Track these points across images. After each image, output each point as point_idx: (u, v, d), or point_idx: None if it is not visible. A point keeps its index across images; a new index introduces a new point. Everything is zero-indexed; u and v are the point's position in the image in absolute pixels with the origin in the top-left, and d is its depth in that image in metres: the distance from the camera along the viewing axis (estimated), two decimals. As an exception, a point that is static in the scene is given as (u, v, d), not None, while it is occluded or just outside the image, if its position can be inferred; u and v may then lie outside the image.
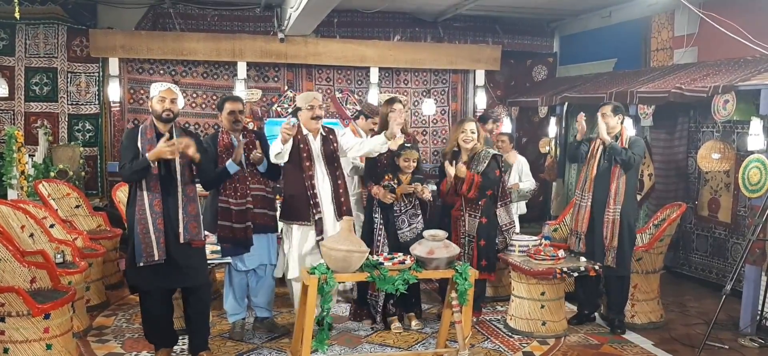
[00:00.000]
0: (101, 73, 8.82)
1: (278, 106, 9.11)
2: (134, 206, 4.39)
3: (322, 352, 4.36)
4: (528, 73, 10.20)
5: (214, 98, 9.04)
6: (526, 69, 10.19)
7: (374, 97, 9.22)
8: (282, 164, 5.21)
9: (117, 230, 6.86)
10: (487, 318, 6.02)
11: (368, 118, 6.29)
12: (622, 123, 5.54)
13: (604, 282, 5.74)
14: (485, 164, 5.50)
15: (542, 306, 5.50)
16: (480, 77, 9.71)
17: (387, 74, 9.59)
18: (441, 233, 4.46)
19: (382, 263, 4.33)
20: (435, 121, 9.81)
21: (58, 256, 5.34)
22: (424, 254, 4.37)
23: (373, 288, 5.48)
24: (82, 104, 8.86)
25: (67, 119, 8.82)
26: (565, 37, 10.09)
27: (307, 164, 5.08)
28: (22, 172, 7.36)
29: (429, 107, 9.41)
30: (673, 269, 7.57)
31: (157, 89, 4.48)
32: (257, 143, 5.25)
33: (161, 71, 8.91)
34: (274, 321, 5.59)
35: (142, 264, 4.34)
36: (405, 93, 9.54)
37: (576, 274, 5.41)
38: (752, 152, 5.61)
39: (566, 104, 8.56)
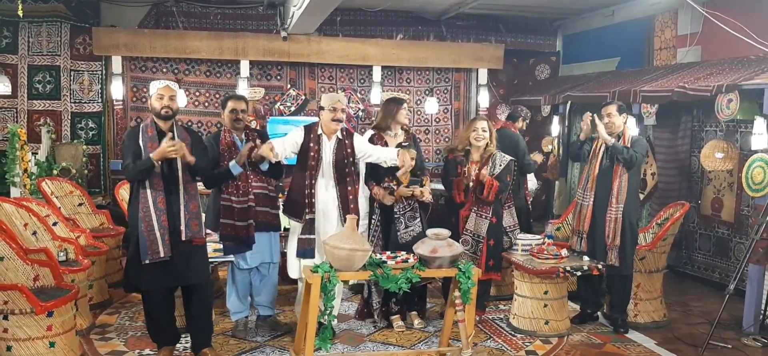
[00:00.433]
0: (104, 72, 8.83)
1: (281, 104, 9.11)
2: (137, 203, 4.39)
3: (325, 350, 4.36)
4: (531, 72, 10.19)
5: (217, 96, 9.05)
6: (529, 68, 10.18)
7: (377, 95, 9.23)
8: (286, 163, 5.21)
9: (120, 228, 6.86)
10: (490, 317, 6.01)
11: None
12: (625, 123, 5.53)
13: (606, 281, 5.73)
14: (501, 168, 5.49)
15: (545, 305, 5.49)
16: (483, 76, 9.70)
17: (390, 73, 9.58)
18: (444, 232, 4.46)
19: (385, 262, 4.33)
20: (437, 120, 9.81)
21: (61, 254, 5.35)
22: (427, 252, 4.36)
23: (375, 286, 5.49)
24: (85, 102, 8.86)
25: (70, 117, 8.83)
26: (568, 36, 10.08)
27: (313, 164, 5.06)
28: (25, 170, 7.38)
29: (432, 106, 9.41)
30: (676, 268, 7.57)
31: (155, 86, 4.48)
32: (258, 141, 5.24)
33: (164, 70, 8.92)
34: (277, 320, 5.59)
35: (148, 262, 4.34)
36: (408, 92, 9.54)
37: (579, 273, 5.41)
38: (756, 152, 5.60)
39: (569, 103, 8.55)
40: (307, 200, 5.04)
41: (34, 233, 5.46)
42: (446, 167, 5.82)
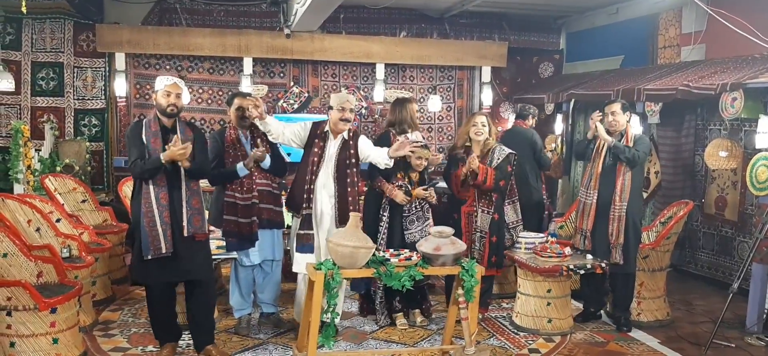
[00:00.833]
0: (108, 68, 8.84)
1: (284, 102, 9.10)
2: (140, 199, 4.40)
3: (328, 348, 4.36)
4: (534, 70, 10.17)
5: (220, 93, 9.05)
6: (533, 66, 10.16)
7: (380, 93, 9.22)
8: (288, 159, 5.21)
9: (123, 225, 6.87)
10: (493, 315, 6.01)
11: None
12: (628, 121, 5.52)
13: (609, 280, 5.72)
14: (499, 161, 5.49)
15: (548, 304, 5.49)
16: (486, 74, 9.69)
17: (393, 71, 9.57)
18: (448, 230, 4.46)
19: (388, 260, 4.32)
20: (440, 118, 9.80)
21: (65, 250, 5.35)
22: (430, 250, 4.36)
23: (375, 284, 5.49)
24: (89, 99, 8.87)
25: (73, 114, 8.83)
26: (571, 34, 10.06)
27: (315, 160, 5.06)
28: (29, 166, 7.38)
29: (435, 104, 9.40)
30: (679, 267, 7.55)
31: (162, 82, 4.45)
32: (258, 140, 5.24)
33: (167, 67, 8.92)
34: (280, 317, 5.60)
35: (149, 257, 4.35)
36: (411, 90, 9.54)
37: (582, 271, 5.40)
38: (760, 150, 5.59)
39: (573, 101, 8.53)
40: (305, 196, 5.03)
41: (38, 229, 5.47)
42: (448, 164, 5.81)
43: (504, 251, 5.74)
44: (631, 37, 8.61)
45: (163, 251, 4.36)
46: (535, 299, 5.51)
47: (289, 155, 5.35)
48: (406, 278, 4.26)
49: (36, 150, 7.89)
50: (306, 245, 5.03)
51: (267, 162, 5.15)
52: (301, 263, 5.12)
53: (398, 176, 5.37)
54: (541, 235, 5.86)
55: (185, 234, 4.44)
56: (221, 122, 8.79)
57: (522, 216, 6.17)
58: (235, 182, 5.08)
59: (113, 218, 7.04)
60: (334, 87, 9.38)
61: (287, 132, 5.10)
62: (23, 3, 6.57)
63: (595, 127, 5.59)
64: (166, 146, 4.33)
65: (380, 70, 9.38)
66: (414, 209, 5.41)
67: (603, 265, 5.39)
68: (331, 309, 4.24)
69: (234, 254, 5.23)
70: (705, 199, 7.31)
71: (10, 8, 8.03)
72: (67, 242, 5.46)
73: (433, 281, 6.53)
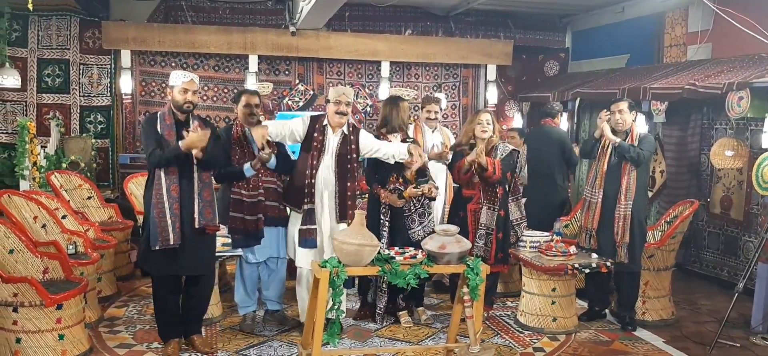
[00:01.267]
0: (113, 65, 8.86)
1: (289, 99, 9.11)
2: (151, 189, 4.43)
3: (333, 345, 4.37)
4: (540, 69, 10.16)
5: (226, 90, 9.06)
6: (538, 64, 10.15)
7: (385, 91, 9.21)
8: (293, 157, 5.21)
9: (128, 222, 6.89)
10: (498, 314, 6.01)
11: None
12: (634, 120, 5.51)
13: (614, 279, 5.72)
14: (503, 156, 5.50)
15: (553, 302, 5.48)
16: (491, 72, 9.69)
17: (398, 68, 9.57)
18: (452, 228, 4.45)
19: (393, 258, 4.32)
20: (445, 116, 9.78)
21: (71, 247, 5.37)
22: (435, 248, 4.36)
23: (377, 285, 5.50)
24: (94, 96, 8.89)
25: (79, 111, 8.86)
26: (577, 33, 10.04)
27: (315, 154, 5.06)
28: (35, 163, 7.41)
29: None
30: (684, 266, 7.54)
31: (179, 78, 4.49)
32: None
33: (173, 64, 8.93)
34: (285, 314, 5.60)
35: (157, 247, 4.37)
36: (416, 88, 9.54)
37: (587, 270, 5.40)
38: (766, 150, 5.57)
39: (578, 99, 8.52)
40: (307, 190, 5.03)
41: (44, 226, 5.49)
42: (453, 159, 5.80)
43: (509, 248, 5.74)
44: (637, 36, 8.59)
45: (171, 242, 4.38)
46: (539, 297, 5.51)
47: (294, 153, 5.35)
48: (411, 276, 4.25)
49: (42, 147, 7.92)
50: (309, 239, 5.03)
51: (273, 162, 5.15)
52: (304, 258, 5.12)
53: (391, 178, 5.36)
54: (546, 233, 5.85)
55: (196, 226, 4.47)
56: (227, 120, 8.80)
57: (547, 215, 6.16)
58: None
59: (119, 215, 7.06)
60: (340, 85, 9.37)
61: (284, 131, 5.10)
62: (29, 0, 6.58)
63: (605, 122, 5.60)
64: (180, 141, 4.37)
65: (385, 68, 9.39)
66: (413, 208, 5.40)
67: (608, 264, 5.38)
68: (336, 307, 4.25)
69: (239, 252, 5.24)
70: (710, 198, 7.29)
71: (17, 5, 8.05)
72: (72, 238, 5.48)
73: (441, 277, 6.52)
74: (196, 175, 4.48)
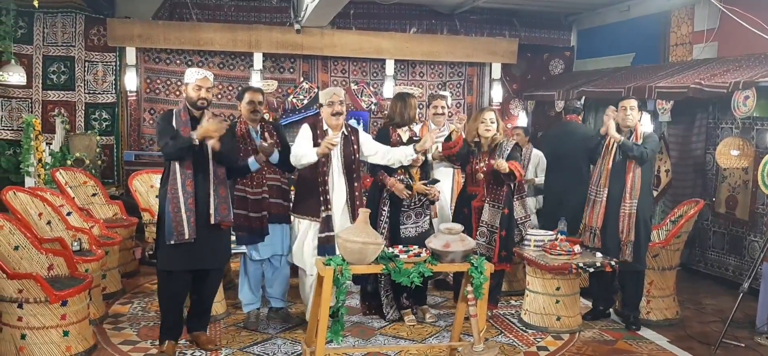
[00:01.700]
0: (118, 63, 8.88)
1: (294, 97, 9.11)
2: (167, 184, 4.45)
3: (337, 343, 4.37)
4: (545, 67, 10.14)
5: (231, 88, 9.07)
6: (543, 63, 10.14)
7: (390, 89, 9.21)
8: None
9: (133, 219, 6.90)
10: (502, 313, 6.00)
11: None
12: (639, 119, 5.50)
13: (619, 278, 5.70)
14: (508, 152, 5.49)
15: (557, 301, 5.47)
16: (496, 71, 9.68)
17: (402, 67, 9.57)
18: (457, 227, 4.44)
19: (397, 256, 4.32)
20: (450, 114, 9.75)
21: (75, 244, 5.39)
22: (439, 247, 4.35)
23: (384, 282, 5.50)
24: (99, 93, 8.91)
25: (84, 108, 8.88)
26: (582, 31, 10.02)
27: (324, 160, 5.06)
28: (40, 160, 7.43)
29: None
30: (689, 266, 7.51)
31: (193, 75, 4.52)
32: (266, 134, 5.25)
33: (178, 61, 8.95)
34: (289, 312, 5.60)
35: (172, 242, 4.38)
36: (420, 86, 9.53)
37: (592, 269, 5.39)
38: (772, 149, 5.56)
39: (583, 98, 8.50)
40: (322, 197, 5.04)
41: (49, 222, 5.50)
42: (459, 152, 5.79)
43: (513, 247, 5.73)
44: (643, 35, 8.57)
45: (186, 237, 4.39)
46: (543, 296, 5.50)
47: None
48: (415, 274, 4.25)
49: (47, 144, 7.94)
50: (328, 246, 5.02)
51: (275, 156, 5.15)
52: (301, 259, 5.15)
53: (398, 171, 5.36)
54: (551, 232, 5.84)
55: (212, 222, 4.48)
56: (230, 117, 8.81)
57: (574, 216, 6.13)
58: (246, 177, 5.10)
59: (123, 212, 7.07)
60: (344, 82, 9.38)
61: (307, 146, 5.04)
62: (35, -3, 6.61)
63: (613, 120, 5.59)
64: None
65: (390, 67, 9.39)
66: (413, 204, 5.40)
67: (613, 263, 5.37)
68: (340, 305, 4.24)
69: (243, 249, 5.25)
70: (716, 198, 7.27)
71: (22, 2, 8.07)
72: (77, 235, 5.49)
73: (445, 276, 6.52)
74: (211, 171, 4.50)
